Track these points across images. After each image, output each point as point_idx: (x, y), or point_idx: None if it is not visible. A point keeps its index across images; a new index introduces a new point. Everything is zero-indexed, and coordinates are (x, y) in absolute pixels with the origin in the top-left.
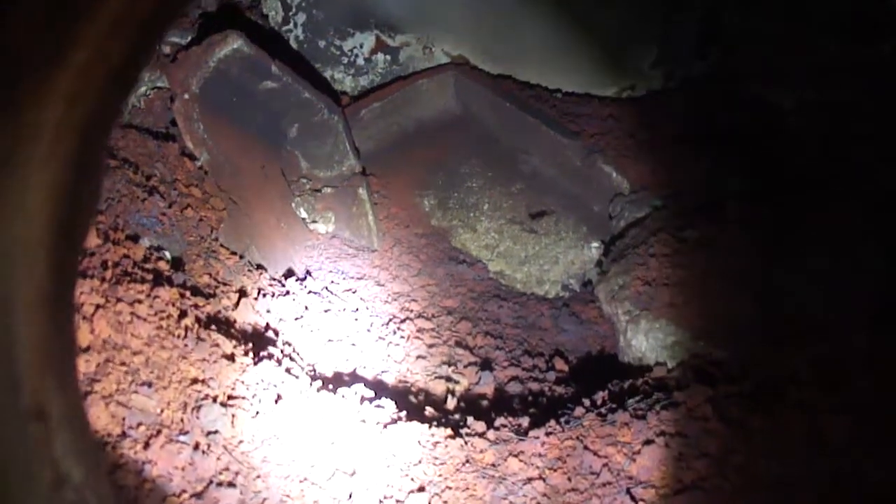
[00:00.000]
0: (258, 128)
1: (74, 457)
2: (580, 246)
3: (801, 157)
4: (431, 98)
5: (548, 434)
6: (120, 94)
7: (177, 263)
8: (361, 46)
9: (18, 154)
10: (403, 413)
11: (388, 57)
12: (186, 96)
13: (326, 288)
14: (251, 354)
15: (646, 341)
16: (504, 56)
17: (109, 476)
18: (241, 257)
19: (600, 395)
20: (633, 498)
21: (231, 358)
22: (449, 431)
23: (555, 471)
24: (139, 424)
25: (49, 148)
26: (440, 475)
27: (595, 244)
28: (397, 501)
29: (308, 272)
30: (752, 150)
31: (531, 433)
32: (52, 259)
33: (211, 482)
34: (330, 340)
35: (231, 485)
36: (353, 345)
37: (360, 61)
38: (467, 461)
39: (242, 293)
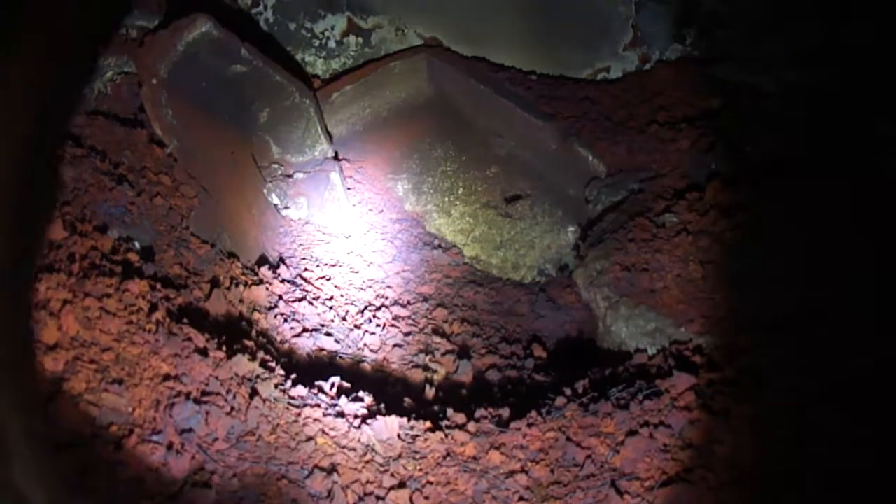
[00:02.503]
0: (228, 113)
1: (36, 479)
2: (556, 230)
3: (781, 140)
4: (404, 81)
5: (529, 425)
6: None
7: (146, 254)
8: (333, 29)
9: None
10: (382, 405)
11: (360, 39)
12: (154, 81)
13: (300, 276)
14: (225, 348)
15: (625, 328)
16: (478, 38)
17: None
18: (213, 246)
19: (581, 384)
20: (618, 490)
21: (204, 352)
22: (428, 424)
23: (537, 463)
24: (110, 424)
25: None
26: (421, 470)
27: (571, 228)
28: (378, 498)
29: (281, 259)
30: (732, 133)
31: (512, 425)
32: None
33: (185, 483)
34: (305, 330)
35: (206, 485)
36: (329, 334)
37: (332, 44)
38: (448, 455)
39: (214, 283)
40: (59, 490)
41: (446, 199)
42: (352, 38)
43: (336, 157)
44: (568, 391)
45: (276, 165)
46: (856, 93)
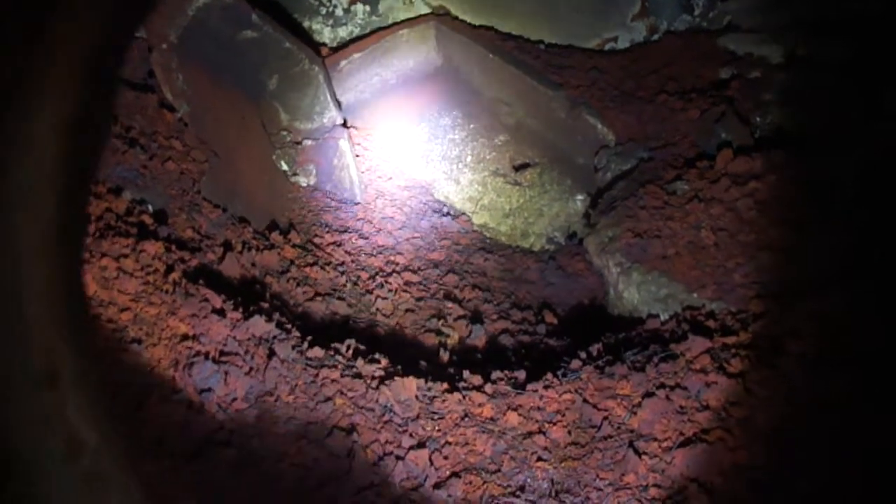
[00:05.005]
0: (238, 79)
1: (89, 421)
2: (565, 199)
3: (789, 111)
4: (412, 49)
5: (546, 387)
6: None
7: (160, 216)
8: None
9: (28, 80)
10: (399, 367)
11: (368, 7)
12: (165, 46)
13: (311, 241)
14: (241, 309)
15: (638, 294)
16: (485, 7)
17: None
18: (224, 210)
19: (595, 348)
20: (636, 451)
21: (221, 313)
22: (446, 385)
23: (554, 425)
24: (129, 384)
25: (61, 75)
26: (439, 430)
27: (580, 197)
28: (397, 458)
29: (291, 225)
30: (741, 104)
31: (529, 386)
32: (60, 199)
33: (206, 442)
34: (318, 294)
35: (227, 444)
36: (341, 298)
37: (339, 12)
38: (466, 416)
39: (227, 247)
40: (112, 432)
41: (455, 166)
42: (359, 6)
43: (345, 125)
44: (583, 354)
45: (285, 132)
46: (866, 65)
